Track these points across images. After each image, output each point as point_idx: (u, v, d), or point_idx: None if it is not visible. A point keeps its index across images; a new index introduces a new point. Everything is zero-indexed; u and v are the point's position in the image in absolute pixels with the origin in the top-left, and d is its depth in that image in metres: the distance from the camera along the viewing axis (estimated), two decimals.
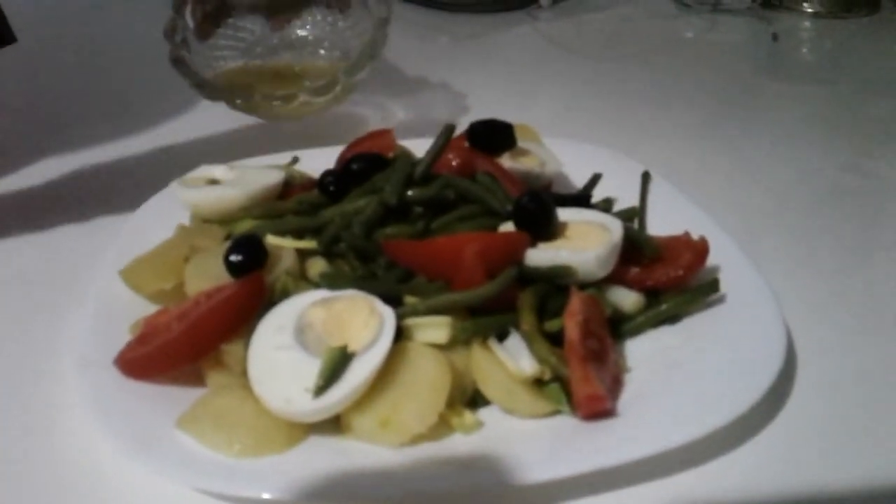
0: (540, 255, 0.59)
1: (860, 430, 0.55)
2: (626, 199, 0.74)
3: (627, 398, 0.54)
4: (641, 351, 0.59)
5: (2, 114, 1.02)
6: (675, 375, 0.55)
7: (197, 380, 0.56)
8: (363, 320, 0.53)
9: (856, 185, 0.86)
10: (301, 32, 0.96)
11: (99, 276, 0.64)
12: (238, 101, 0.80)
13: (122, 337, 0.57)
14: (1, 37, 1.23)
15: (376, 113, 1.01)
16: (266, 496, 0.47)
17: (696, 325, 0.60)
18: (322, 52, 0.92)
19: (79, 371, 0.55)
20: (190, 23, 0.86)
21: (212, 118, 0.97)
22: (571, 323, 0.54)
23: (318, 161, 0.74)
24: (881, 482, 0.51)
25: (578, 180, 0.77)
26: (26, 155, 0.90)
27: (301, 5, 0.96)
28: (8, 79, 1.11)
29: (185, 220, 0.70)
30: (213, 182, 0.69)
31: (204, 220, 0.68)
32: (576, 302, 0.55)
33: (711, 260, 0.62)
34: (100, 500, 0.50)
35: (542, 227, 0.60)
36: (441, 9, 1.37)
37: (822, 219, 0.79)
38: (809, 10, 1.32)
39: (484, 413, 0.54)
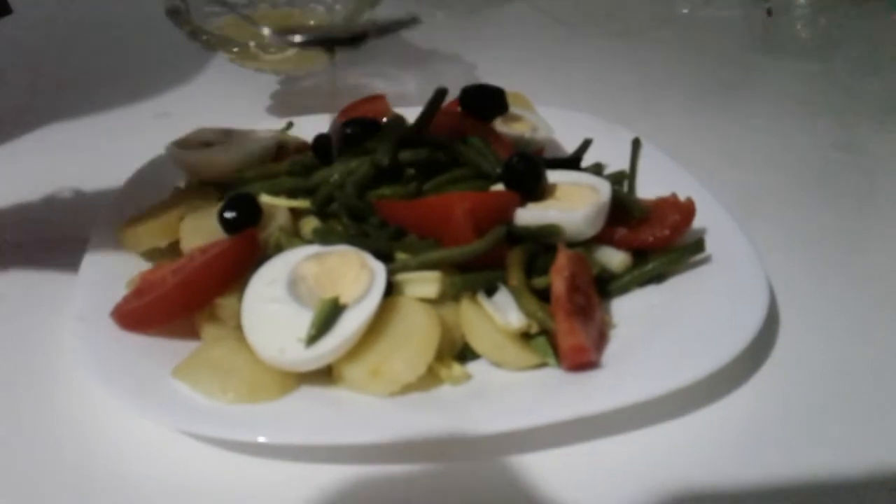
0: (529, 215, 0.60)
1: (838, 390, 0.56)
2: (617, 165, 0.75)
3: (612, 352, 0.55)
4: (628, 308, 0.60)
5: (1, 84, 1.03)
6: (659, 331, 0.57)
7: (191, 333, 0.57)
8: (355, 274, 0.54)
9: (846, 160, 0.86)
10: None
11: (96, 235, 0.65)
12: (235, 50, 0.80)
13: (120, 293, 0.59)
14: None
15: (378, 83, 1.02)
16: (262, 440, 0.48)
17: (681, 284, 0.61)
18: (322, 7, 0.90)
19: (78, 324, 0.56)
20: None
21: (212, 89, 0.98)
22: (558, 278, 0.55)
23: (314, 127, 0.75)
24: (858, 435, 0.53)
25: (571, 147, 0.78)
26: (26, 122, 0.91)
27: None
28: (7, 50, 1.12)
29: (181, 182, 0.71)
30: (208, 144, 0.70)
31: (199, 182, 0.69)
32: (563, 258, 0.56)
33: (698, 222, 0.64)
34: (99, 447, 0.52)
35: (531, 186, 0.61)
36: None
37: (812, 192, 0.80)
38: None
39: (472, 366, 0.56)
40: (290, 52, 0.78)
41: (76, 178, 0.79)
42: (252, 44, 0.77)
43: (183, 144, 0.70)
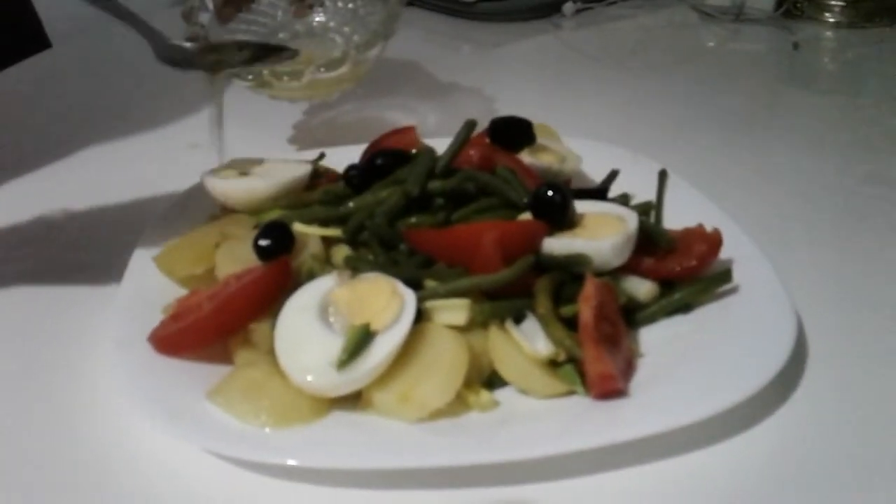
0: (556, 244, 0.61)
1: (866, 428, 0.55)
2: (644, 196, 0.75)
3: (639, 380, 0.55)
4: (654, 338, 0.60)
5: (39, 113, 1.06)
6: (686, 360, 0.57)
7: (225, 358, 0.58)
8: (385, 301, 0.55)
9: (876, 194, 0.86)
10: (320, 18, 0.94)
11: (133, 262, 0.67)
12: (249, 77, 0.81)
13: (156, 318, 0.60)
14: (36, 41, 1.29)
15: (401, 117, 1.04)
16: (291, 462, 0.49)
17: (708, 315, 0.61)
18: (340, 39, 0.92)
19: (114, 349, 0.58)
20: (210, 4, 0.87)
21: (239, 122, 1.00)
22: (586, 307, 0.56)
23: (344, 158, 0.76)
24: (886, 477, 0.52)
25: (597, 178, 0.79)
26: (62, 151, 0.94)
27: None
28: (45, 81, 1.16)
29: (216, 211, 0.73)
30: (243, 174, 0.72)
31: (234, 211, 0.71)
32: (590, 287, 0.57)
33: (725, 252, 0.64)
34: (135, 469, 0.53)
35: (559, 216, 0.62)
36: (464, 17, 1.39)
37: (841, 226, 0.79)
38: (831, 20, 1.33)
39: (500, 393, 0.56)
40: (305, 78, 0.80)
41: (112, 206, 0.81)
42: (265, 72, 0.79)
43: (218, 174, 0.72)
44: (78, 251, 0.76)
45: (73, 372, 0.61)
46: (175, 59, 0.71)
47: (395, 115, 1.05)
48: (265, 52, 0.75)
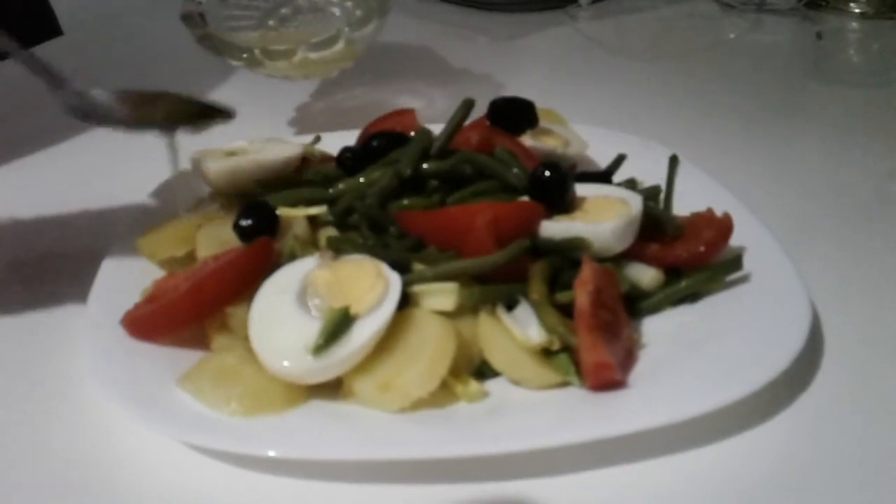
0: (555, 227, 0.57)
1: (882, 415, 0.52)
2: (652, 183, 0.71)
3: (639, 372, 0.52)
4: (659, 328, 0.57)
5: (41, 98, 1.04)
6: (691, 351, 0.53)
7: (204, 344, 0.55)
8: (369, 284, 0.52)
9: None
10: None
11: (116, 245, 0.65)
12: (244, 56, 0.79)
13: (134, 301, 0.58)
14: (47, 29, 1.27)
15: (411, 105, 1.01)
16: (272, 453, 0.46)
17: (717, 304, 0.57)
18: (339, 12, 0.89)
19: (88, 332, 0.55)
20: None
21: (240, 106, 0.98)
22: (582, 291, 0.52)
23: (341, 142, 0.74)
24: None
25: (605, 164, 0.75)
26: (56, 136, 0.92)
27: None
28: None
29: (204, 195, 0.70)
30: (232, 154, 0.69)
31: (221, 192, 0.68)
32: (587, 271, 0.53)
33: (736, 239, 0.60)
34: (103, 455, 0.51)
35: (557, 197, 0.58)
36: (479, 8, 1.36)
37: (864, 220, 0.75)
38: (856, 11, 1.28)
39: (491, 384, 0.53)
40: (297, 57, 0.77)
41: (101, 190, 0.79)
42: (257, 51, 0.77)
43: (206, 154, 0.69)
44: (63, 232, 0.74)
45: (49, 354, 0.59)
46: (86, 112, 0.65)
47: (407, 104, 1.02)
48: (200, 113, 0.66)
